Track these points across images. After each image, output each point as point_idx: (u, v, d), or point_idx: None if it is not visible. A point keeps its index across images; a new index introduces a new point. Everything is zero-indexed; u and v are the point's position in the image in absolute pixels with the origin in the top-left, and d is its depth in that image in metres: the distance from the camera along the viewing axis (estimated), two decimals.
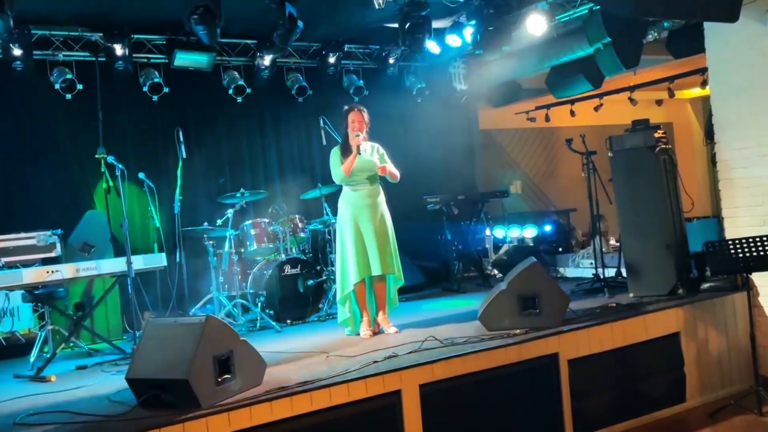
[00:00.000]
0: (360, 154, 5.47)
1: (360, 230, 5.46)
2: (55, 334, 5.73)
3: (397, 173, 5.62)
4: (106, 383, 4.66)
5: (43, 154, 7.10)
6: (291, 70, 8.37)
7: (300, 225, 7.12)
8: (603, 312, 5.43)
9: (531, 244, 8.86)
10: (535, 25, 7.07)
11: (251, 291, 6.75)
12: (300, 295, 6.73)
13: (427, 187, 8.57)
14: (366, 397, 4.04)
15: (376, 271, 5.42)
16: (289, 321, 6.61)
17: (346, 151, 5.53)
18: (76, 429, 3.58)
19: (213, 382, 3.74)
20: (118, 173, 5.51)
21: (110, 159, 5.59)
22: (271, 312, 6.59)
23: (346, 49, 8.39)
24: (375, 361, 4.37)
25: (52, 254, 6.39)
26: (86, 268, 5.31)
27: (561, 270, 8.51)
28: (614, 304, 5.63)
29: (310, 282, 6.78)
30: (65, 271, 5.20)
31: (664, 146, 5.97)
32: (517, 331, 4.90)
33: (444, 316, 6.14)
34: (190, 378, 3.58)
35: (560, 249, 9.08)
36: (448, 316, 6.17)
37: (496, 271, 8.56)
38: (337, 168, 5.53)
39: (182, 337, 3.82)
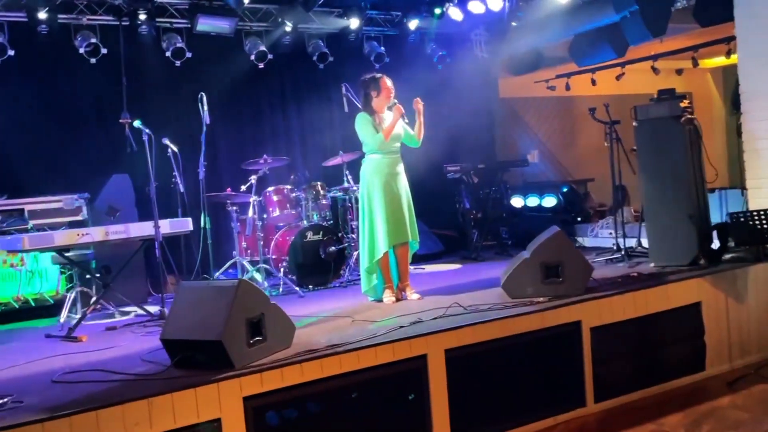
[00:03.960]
0: (405, 121, 5.47)
1: (395, 196, 5.47)
2: (83, 295, 5.84)
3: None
4: (137, 344, 4.76)
5: (68, 118, 7.16)
6: (312, 36, 8.34)
7: (322, 192, 7.16)
8: (625, 281, 5.45)
9: (549, 214, 8.86)
10: None
11: (274, 256, 6.83)
12: (322, 261, 6.80)
13: (448, 155, 8.57)
14: (393, 360, 4.12)
15: (409, 236, 5.48)
16: (311, 286, 6.69)
17: (374, 116, 5.52)
18: (114, 387, 3.67)
19: (245, 343, 3.81)
20: (145, 138, 5.53)
21: (137, 123, 5.61)
22: (293, 277, 6.67)
23: (367, 15, 8.33)
24: (401, 326, 4.44)
25: (79, 217, 6.49)
26: (115, 231, 5.37)
27: (580, 240, 8.51)
28: (636, 274, 5.66)
29: (332, 248, 6.84)
30: (95, 233, 5.26)
31: (689, 116, 5.92)
32: (540, 299, 4.94)
33: (464, 284, 6.16)
34: (223, 339, 3.66)
35: (579, 219, 9.08)
36: (468, 283, 6.18)
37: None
38: (374, 135, 5.44)
39: (215, 299, 3.89)
